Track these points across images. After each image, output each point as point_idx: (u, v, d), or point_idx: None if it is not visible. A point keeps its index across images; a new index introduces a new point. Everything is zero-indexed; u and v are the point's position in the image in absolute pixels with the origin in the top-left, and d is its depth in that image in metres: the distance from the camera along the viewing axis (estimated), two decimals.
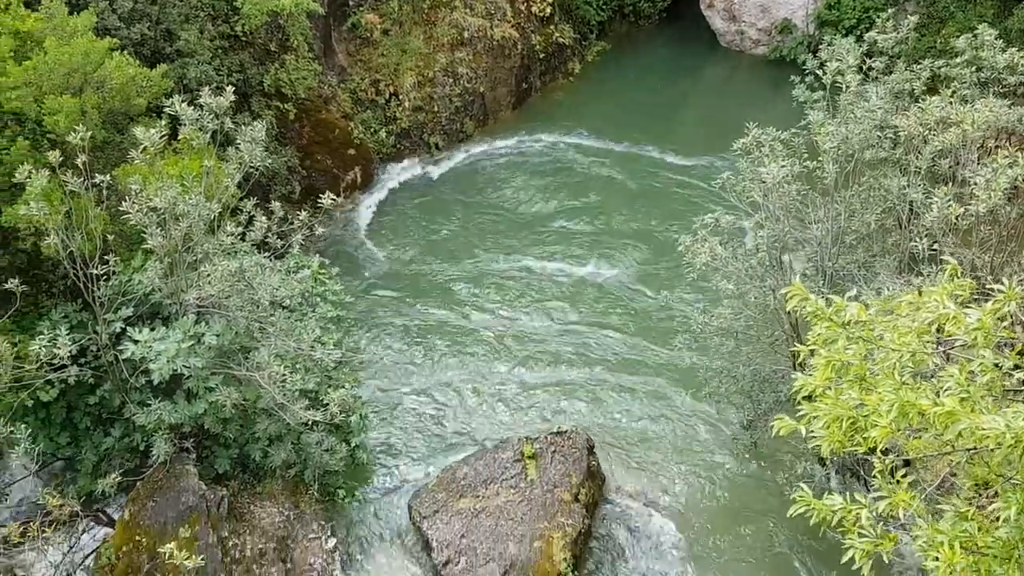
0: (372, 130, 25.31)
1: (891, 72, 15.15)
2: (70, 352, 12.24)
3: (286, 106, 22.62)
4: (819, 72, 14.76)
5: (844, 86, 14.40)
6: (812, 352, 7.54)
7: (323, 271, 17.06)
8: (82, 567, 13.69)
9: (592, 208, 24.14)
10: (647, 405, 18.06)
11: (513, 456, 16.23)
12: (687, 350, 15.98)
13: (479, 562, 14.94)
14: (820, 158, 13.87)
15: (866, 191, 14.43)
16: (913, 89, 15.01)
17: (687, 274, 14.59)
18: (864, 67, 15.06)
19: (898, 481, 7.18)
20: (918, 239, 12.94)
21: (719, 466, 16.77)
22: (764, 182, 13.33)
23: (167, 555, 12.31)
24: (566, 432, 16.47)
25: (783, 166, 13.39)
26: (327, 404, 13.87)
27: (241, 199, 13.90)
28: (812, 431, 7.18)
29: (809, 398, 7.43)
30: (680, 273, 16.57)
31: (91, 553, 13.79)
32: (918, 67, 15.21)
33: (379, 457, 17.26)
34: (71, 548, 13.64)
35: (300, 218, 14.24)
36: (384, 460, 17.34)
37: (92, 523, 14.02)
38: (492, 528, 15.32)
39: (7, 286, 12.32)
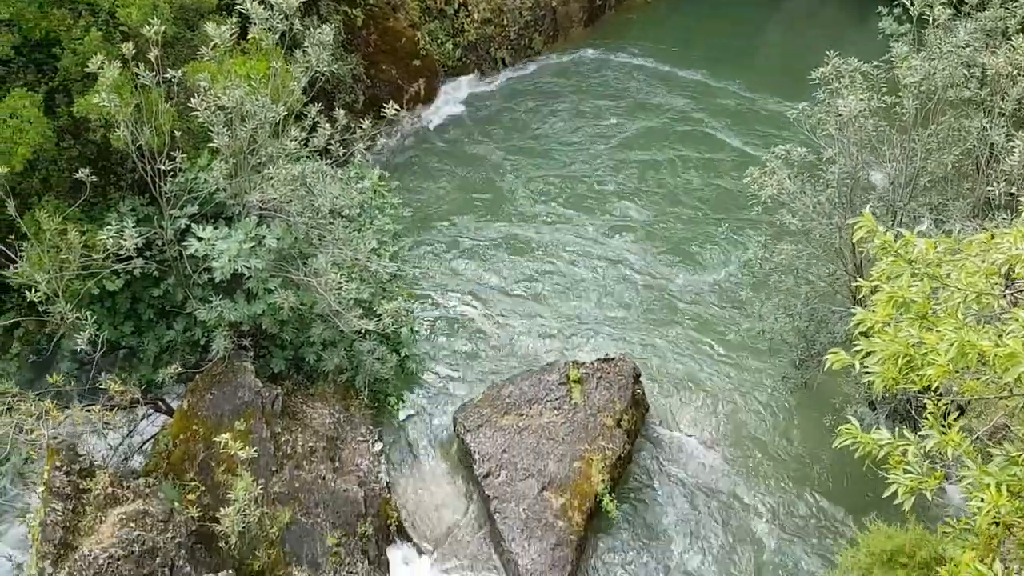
0: (439, 41, 25.06)
1: (984, 8, 14.43)
2: (136, 244, 12.71)
3: (354, 12, 22.48)
4: (908, 3, 14.13)
5: (932, 20, 13.78)
6: (874, 289, 7.49)
7: (383, 183, 17.27)
8: (140, 451, 14.50)
9: (654, 133, 23.75)
10: (697, 339, 18.11)
11: (559, 379, 16.52)
12: (744, 286, 15.89)
13: (518, 476, 15.40)
14: (900, 94, 13.43)
15: (945, 131, 13.95)
16: (1006, 28, 14.29)
17: (751, 207, 14.41)
18: (956, 1, 14.37)
19: (949, 425, 7.18)
20: (995, 184, 12.54)
21: (765, 404, 16.87)
22: (840, 115, 12.96)
23: (222, 444, 13.03)
24: (613, 359, 16.67)
25: (861, 99, 12.99)
26: (380, 315, 14.26)
27: (305, 104, 14.04)
28: (866, 367, 7.19)
29: (866, 335, 7.41)
30: (744, 205, 16.35)
31: (149, 439, 14.59)
32: (1014, 5, 14.44)
33: (428, 370, 17.71)
34: (130, 432, 14.45)
35: (363, 127, 14.35)
36: (432, 374, 17.79)
37: (151, 410, 14.78)
38: (533, 446, 15.73)
39: (78, 175, 12.79)
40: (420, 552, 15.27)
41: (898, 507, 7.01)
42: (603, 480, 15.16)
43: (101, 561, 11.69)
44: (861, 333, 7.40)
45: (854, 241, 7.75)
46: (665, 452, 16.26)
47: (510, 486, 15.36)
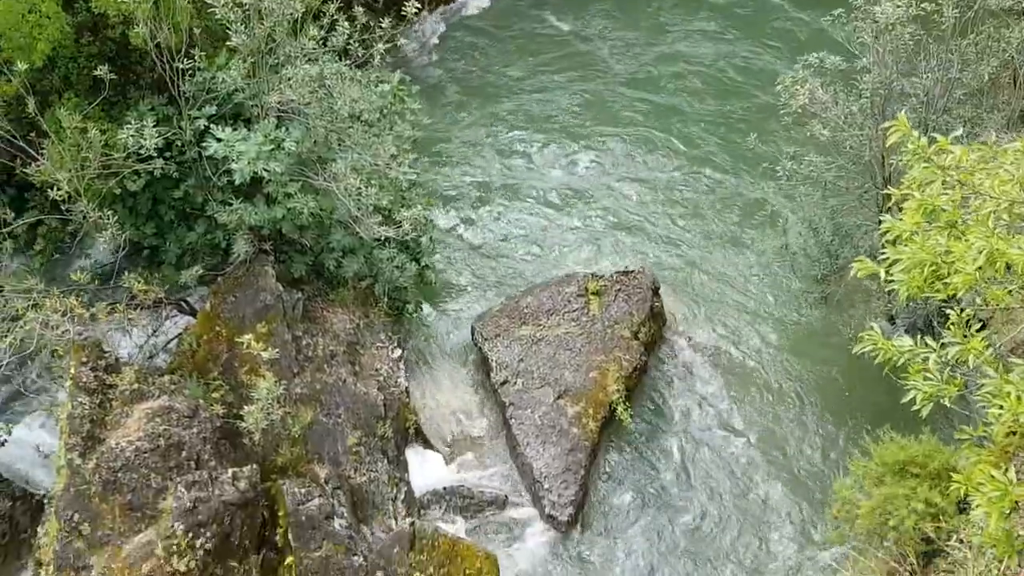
0: None
1: None
2: (156, 144, 12.66)
3: None
4: None
5: None
6: (904, 197, 7.35)
7: (403, 88, 16.95)
8: (164, 350, 14.79)
9: (682, 36, 23.03)
10: (719, 253, 18.01)
11: (577, 291, 16.55)
12: (770, 200, 15.68)
13: (535, 385, 15.63)
14: (940, 1, 12.92)
15: (984, 41, 13.46)
16: None
17: (782, 118, 14.11)
18: None
19: (971, 335, 7.14)
20: None
21: (784, 318, 16.88)
22: (876, 22, 12.51)
23: (245, 345, 13.25)
24: (633, 272, 16.65)
25: (899, 6, 12.51)
26: (400, 222, 14.23)
27: (324, 2, 13.71)
28: (891, 275, 7.12)
29: (893, 243, 7.31)
30: (775, 115, 16.00)
31: (173, 339, 14.84)
32: None
33: (446, 280, 17.77)
34: (155, 332, 14.70)
35: (383, 26, 14.01)
36: (451, 283, 17.86)
37: (175, 311, 15.00)
38: (550, 356, 15.89)
39: (97, 74, 12.65)
40: (437, 453, 15.65)
41: (913, 424, 7.05)
42: (618, 390, 15.36)
43: (128, 453, 12.07)
44: (888, 241, 7.31)
45: (887, 146, 7.57)
46: (681, 364, 16.39)
47: (526, 394, 15.60)
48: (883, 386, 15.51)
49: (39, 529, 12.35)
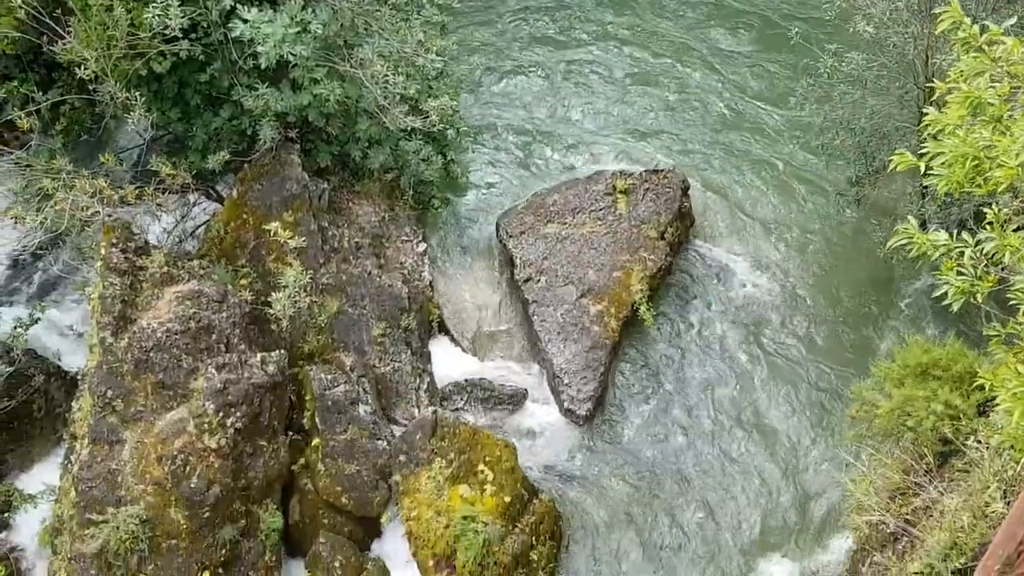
0: None
1: None
2: (181, 25, 12.46)
3: None
4: None
5: None
6: (948, 91, 7.15)
7: None
8: (192, 236, 14.98)
9: None
10: (752, 154, 17.71)
11: (605, 189, 16.43)
12: (808, 98, 15.27)
13: (558, 283, 15.72)
14: None
15: None
16: None
17: (824, 12, 13.61)
18: None
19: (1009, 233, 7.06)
20: None
21: (814, 222, 16.74)
22: None
23: (272, 233, 13.39)
24: (662, 171, 16.46)
25: None
26: (426, 113, 14.08)
27: None
28: (931, 169, 7.00)
29: (935, 137, 7.16)
30: (818, 9, 15.41)
31: (201, 225, 15.01)
32: None
33: (472, 175, 17.67)
34: (183, 217, 14.87)
35: None
36: (477, 179, 17.76)
37: (202, 197, 15.11)
38: (574, 254, 15.92)
39: None
40: (460, 347, 15.93)
41: (938, 331, 7.05)
42: (641, 290, 15.43)
43: (160, 335, 12.40)
44: (930, 135, 7.16)
45: (936, 33, 7.31)
46: (706, 266, 16.38)
47: (549, 291, 15.72)
48: (911, 290, 15.60)
49: (73, 404, 12.85)
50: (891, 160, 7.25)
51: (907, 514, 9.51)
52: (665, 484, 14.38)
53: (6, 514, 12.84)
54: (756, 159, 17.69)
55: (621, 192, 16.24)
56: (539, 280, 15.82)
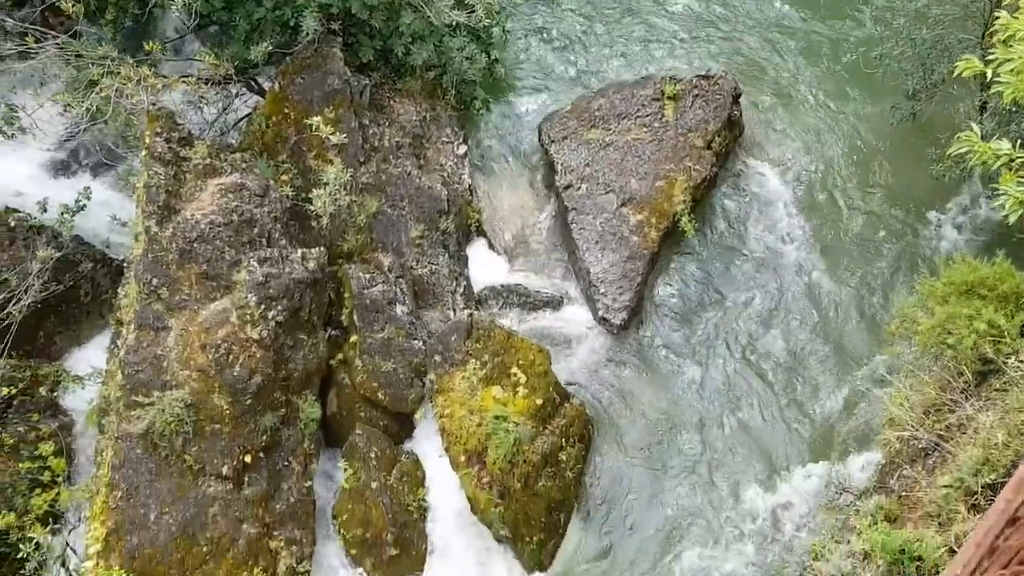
0: None
1: None
2: None
3: None
4: None
5: None
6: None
7: None
8: (235, 128, 15.10)
9: None
10: (805, 63, 17.19)
11: (652, 94, 16.16)
12: (868, 4, 14.74)
13: (599, 191, 15.68)
14: None
15: None
16: None
17: None
18: None
19: None
20: None
21: (866, 137, 16.38)
22: None
23: (313, 128, 13.46)
24: (714, 76, 16.10)
25: None
26: (472, 7, 13.88)
27: None
28: (999, 76, 6.87)
29: (1006, 43, 6.99)
30: None
31: (243, 118, 15.12)
32: None
33: (516, 77, 17.44)
34: (225, 109, 14.97)
35: None
36: (521, 81, 17.51)
37: (244, 89, 15.16)
38: (617, 162, 15.82)
39: None
40: (497, 252, 16.08)
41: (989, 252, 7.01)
42: (684, 201, 15.34)
43: (203, 226, 12.67)
44: (1000, 41, 6.99)
45: None
46: (753, 179, 16.20)
47: (589, 199, 15.70)
48: (962, 210, 15.36)
49: (119, 291, 13.29)
50: (955, 67, 7.11)
51: (940, 430, 9.66)
52: (695, 395, 14.64)
53: (54, 394, 13.48)
54: (810, 70, 17.22)
55: (669, 98, 15.96)
56: (579, 187, 15.79)
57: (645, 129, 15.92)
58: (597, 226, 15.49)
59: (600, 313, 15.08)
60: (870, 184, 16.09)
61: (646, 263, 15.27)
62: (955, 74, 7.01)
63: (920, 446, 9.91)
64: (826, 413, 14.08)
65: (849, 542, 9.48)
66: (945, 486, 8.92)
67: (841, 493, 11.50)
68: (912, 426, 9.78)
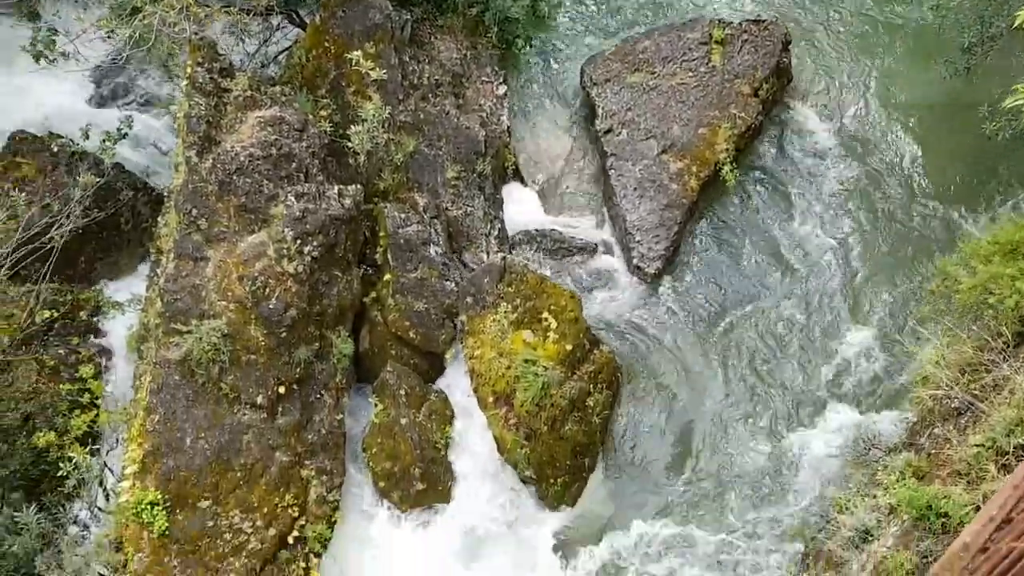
0: None
1: None
2: None
3: None
4: None
5: None
6: None
7: None
8: (275, 61, 15.20)
9: None
10: (858, 14, 16.88)
11: (700, 38, 15.95)
12: None
13: (639, 136, 15.62)
14: None
15: None
16: None
17: None
18: None
19: None
20: None
21: (917, 91, 16.11)
22: None
23: (354, 62, 13.51)
24: (764, 21, 15.85)
25: None
26: None
27: None
28: None
29: None
30: None
31: (284, 51, 15.20)
32: None
33: (561, 15, 17.26)
34: (265, 42, 15.05)
35: None
36: (565, 21, 17.36)
37: (285, 21, 15.21)
38: (660, 107, 15.71)
39: None
40: (532, 196, 16.15)
41: None
42: (727, 149, 15.25)
43: (242, 158, 12.85)
44: None
45: None
46: (798, 130, 16.02)
47: (629, 145, 15.65)
48: (1011, 168, 15.08)
49: (159, 220, 13.61)
50: (1016, 16, 6.98)
51: (975, 390, 9.69)
52: (726, 347, 14.74)
53: (95, 318, 13.95)
54: (863, 21, 16.85)
55: (717, 42, 15.75)
56: (620, 132, 15.72)
57: (690, 74, 15.75)
58: (636, 173, 15.47)
59: (634, 262, 15.15)
60: (919, 140, 15.83)
61: (684, 212, 15.26)
62: (1014, 25, 6.89)
63: (953, 405, 9.96)
64: (859, 369, 14.12)
65: (875, 497, 9.62)
66: (976, 445, 9.00)
67: (870, 449, 11.62)
68: (946, 385, 9.82)
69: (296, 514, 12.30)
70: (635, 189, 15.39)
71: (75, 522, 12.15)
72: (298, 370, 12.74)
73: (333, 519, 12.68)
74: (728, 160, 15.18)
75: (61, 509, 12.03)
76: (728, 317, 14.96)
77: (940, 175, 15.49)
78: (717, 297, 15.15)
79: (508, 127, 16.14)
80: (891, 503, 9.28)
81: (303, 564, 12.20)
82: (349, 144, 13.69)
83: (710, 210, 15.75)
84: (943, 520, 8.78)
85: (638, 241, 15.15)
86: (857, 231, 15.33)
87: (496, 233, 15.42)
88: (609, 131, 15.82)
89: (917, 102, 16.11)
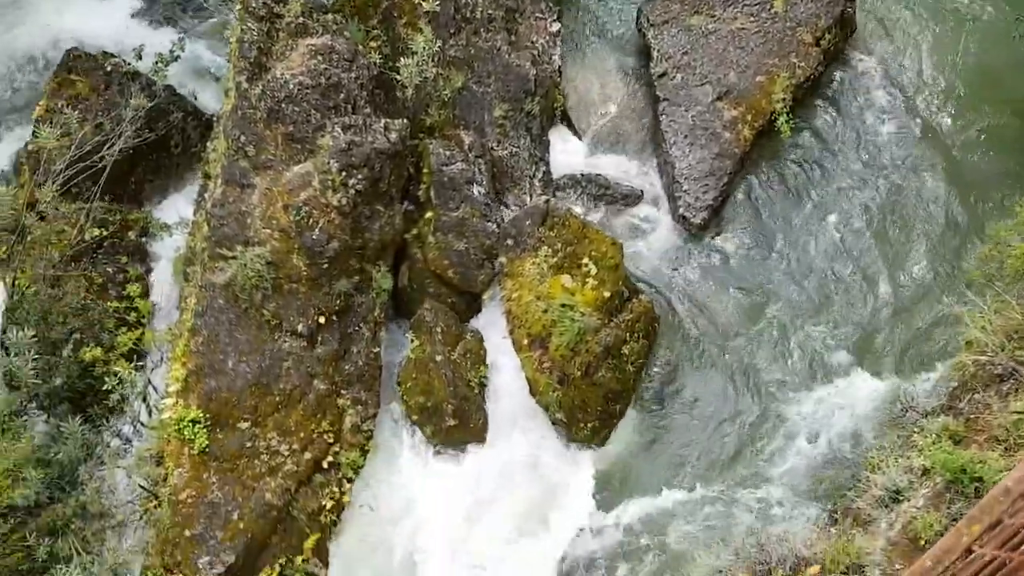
0: None
1: None
2: None
3: None
4: None
5: None
6: None
7: None
8: None
9: None
10: None
11: None
12: None
13: (695, 82, 15.45)
14: None
15: None
16: None
17: None
18: None
19: None
20: None
21: (987, 52, 15.69)
22: None
23: None
24: None
25: None
26: None
27: None
28: None
29: None
30: None
31: None
32: None
33: None
34: None
35: None
36: None
37: None
38: (719, 52, 15.49)
39: None
40: (580, 139, 16.12)
41: None
42: (784, 99, 15.03)
43: (292, 86, 13.00)
44: None
45: None
46: (859, 82, 15.70)
47: (684, 90, 15.50)
48: None
49: (208, 145, 13.88)
50: None
51: (1021, 356, 9.65)
52: (767, 303, 14.72)
53: (143, 239, 14.37)
54: None
55: None
56: (674, 77, 15.56)
57: (752, 19, 15.47)
58: (688, 119, 15.34)
59: (680, 211, 15.12)
60: (986, 101, 15.46)
61: (735, 162, 15.14)
62: None
63: (996, 371, 9.94)
64: (902, 331, 14.07)
65: (908, 458, 9.70)
66: (1017, 412, 9.00)
67: (907, 411, 11.65)
68: (992, 350, 9.78)
69: (331, 440, 12.75)
70: (686, 136, 15.28)
71: (118, 435, 12.72)
72: (338, 302, 13.05)
73: (366, 448, 13.12)
74: (784, 111, 14.98)
75: (105, 422, 12.62)
76: (771, 273, 14.92)
77: (1001, 140, 15.12)
78: (762, 252, 15.09)
79: (559, 66, 16.03)
80: (925, 465, 9.36)
81: (336, 488, 12.69)
82: (397, 77, 13.76)
83: (763, 161, 15.58)
84: (977, 485, 8.85)
85: (685, 190, 15.09)
86: (912, 192, 15.10)
87: (540, 175, 15.44)
88: (663, 75, 15.66)
89: (986, 62, 15.68)
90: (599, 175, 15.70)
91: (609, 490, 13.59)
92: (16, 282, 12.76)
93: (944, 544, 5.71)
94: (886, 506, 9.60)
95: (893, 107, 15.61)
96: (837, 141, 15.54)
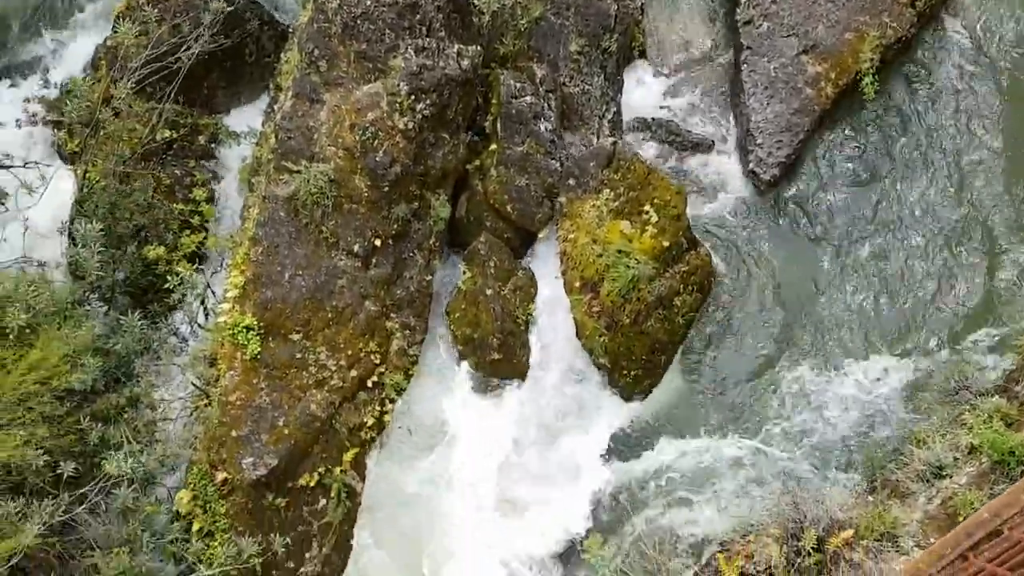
0: None
1: None
2: None
3: None
4: None
5: None
6: None
7: None
8: None
9: None
10: None
11: None
12: None
13: (781, 32, 15.14)
14: None
15: None
16: None
17: None
18: None
19: None
20: None
21: None
22: None
23: None
24: None
25: None
26: None
27: None
28: None
29: None
30: None
31: None
32: None
33: None
34: None
35: None
36: None
37: None
38: (808, 3, 15.18)
39: None
40: (655, 82, 15.96)
41: None
42: (871, 59, 14.69)
43: (368, 3, 13.07)
44: None
45: None
46: (952, 49, 15.24)
47: (769, 40, 15.21)
48: None
49: (282, 56, 14.14)
50: None
51: None
52: (830, 268, 14.62)
53: (212, 145, 14.78)
54: None
55: None
56: (761, 25, 15.26)
57: None
58: (770, 70, 15.08)
59: (751, 165, 14.98)
60: None
61: (814, 120, 14.90)
62: None
63: None
64: (964, 308, 13.92)
65: (956, 435, 9.72)
66: None
67: (959, 390, 11.60)
68: None
69: (377, 361, 13.17)
70: (766, 88, 15.04)
71: (175, 334, 13.31)
72: (395, 226, 13.33)
73: (410, 372, 13.54)
74: (871, 71, 14.63)
75: (163, 320, 13.21)
76: (839, 239, 14.76)
77: None
78: (830, 216, 14.90)
79: (642, 4, 15.84)
80: (973, 443, 9.37)
81: (378, 407, 13.16)
82: (475, 2, 13.74)
83: (842, 121, 15.30)
84: (1023, 468, 8.87)
85: (759, 144, 14.92)
86: (992, 170, 14.70)
87: (611, 116, 15.37)
88: (749, 22, 15.37)
89: None
90: (671, 121, 15.60)
91: (645, 437, 13.84)
92: (87, 175, 13.27)
93: (1004, 499, 5.77)
94: (927, 481, 9.66)
95: (984, 77, 15.14)
96: (922, 109, 15.15)
